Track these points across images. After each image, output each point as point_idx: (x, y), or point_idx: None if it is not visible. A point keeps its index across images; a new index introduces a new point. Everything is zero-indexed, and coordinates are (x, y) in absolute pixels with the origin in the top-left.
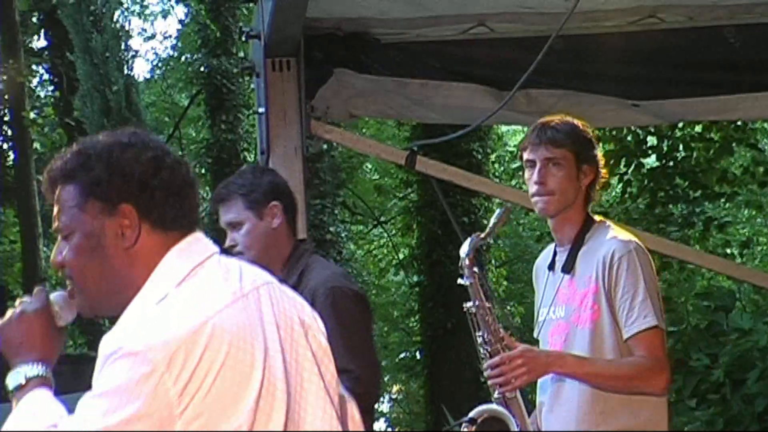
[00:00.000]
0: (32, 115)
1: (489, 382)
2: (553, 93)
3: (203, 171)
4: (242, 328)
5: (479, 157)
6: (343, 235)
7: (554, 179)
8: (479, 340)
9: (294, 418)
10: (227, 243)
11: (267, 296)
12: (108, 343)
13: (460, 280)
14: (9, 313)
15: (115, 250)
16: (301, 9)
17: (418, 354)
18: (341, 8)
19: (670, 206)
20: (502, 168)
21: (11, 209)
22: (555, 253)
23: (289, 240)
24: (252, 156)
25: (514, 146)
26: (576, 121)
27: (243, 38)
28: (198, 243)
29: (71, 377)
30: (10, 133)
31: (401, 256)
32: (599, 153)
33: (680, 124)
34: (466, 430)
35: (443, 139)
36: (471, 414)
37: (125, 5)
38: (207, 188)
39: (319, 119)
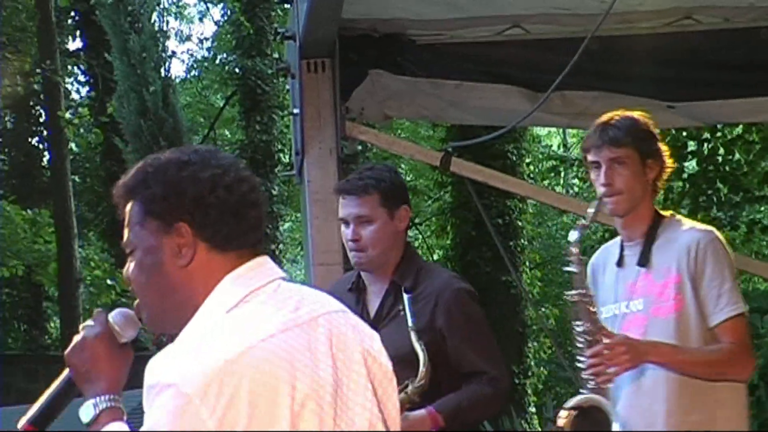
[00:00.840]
0: (68, 115)
1: (588, 371)
2: (587, 94)
3: None
4: (285, 359)
5: (514, 158)
6: None
7: (621, 178)
8: (579, 329)
9: None
10: (350, 236)
11: (326, 326)
12: (150, 372)
13: (566, 268)
14: (74, 339)
15: (173, 267)
16: (336, 10)
17: None
18: (376, 9)
19: (713, 210)
20: (537, 169)
21: (46, 210)
22: (622, 249)
23: (405, 243)
24: (287, 157)
25: (546, 146)
26: (636, 116)
27: (278, 39)
28: (259, 268)
29: None
30: (45, 133)
31: (435, 257)
32: (662, 144)
33: (719, 127)
34: (565, 418)
35: (478, 141)
36: (571, 402)
37: (162, 6)
38: None
39: (353, 120)
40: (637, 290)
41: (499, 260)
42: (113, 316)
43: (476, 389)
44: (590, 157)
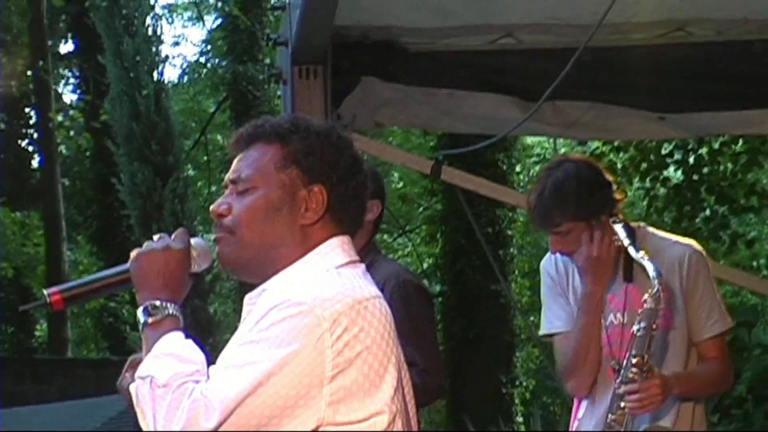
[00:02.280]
0: (59, 118)
1: (627, 405)
2: (579, 105)
3: None
4: (384, 325)
5: (504, 167)
6: None
7: (571, 244)
8: (634, 360)
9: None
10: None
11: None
12: (276, 293)
13: (646, 305)
14: (147, 244)
15: (293, 221)
16: (329, 17)
17: None
18: (369, 17)
19: (697, 220)
20: (527, 178)
21: (36, 212)
22: None
23: (368, 239)
24: None
25: (538, 155)
26: (564, 178)
27: (270, 45)
28: (350, 243)
29: (94, 381)
30: (36, 135)
31: (425, 265)
32: (603, 186)
33: (705, 138)
34: None
35: (469, 149)
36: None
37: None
38: None
39: (345, 128)
40: (624, 304)
41: (488, 269)
42: (197, 241)
43: None
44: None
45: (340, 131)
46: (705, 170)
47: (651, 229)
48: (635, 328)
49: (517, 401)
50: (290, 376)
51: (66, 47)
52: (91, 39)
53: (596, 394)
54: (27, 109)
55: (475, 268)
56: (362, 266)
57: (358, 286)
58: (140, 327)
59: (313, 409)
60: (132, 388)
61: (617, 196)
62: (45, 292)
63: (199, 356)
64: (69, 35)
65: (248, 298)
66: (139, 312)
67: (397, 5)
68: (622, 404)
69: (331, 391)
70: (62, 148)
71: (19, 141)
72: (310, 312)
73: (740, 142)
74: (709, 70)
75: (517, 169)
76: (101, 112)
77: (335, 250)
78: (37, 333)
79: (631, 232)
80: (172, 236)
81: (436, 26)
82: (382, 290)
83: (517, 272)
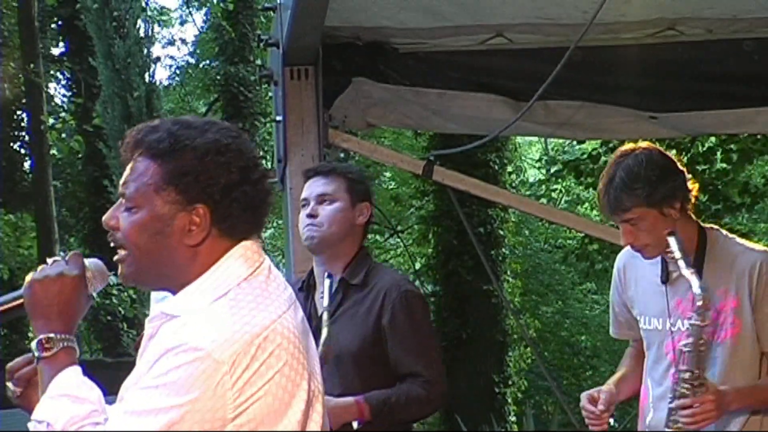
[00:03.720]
0: (51, 120)
1: (681, 420)
2: (571, 104)
3: None
4: (296, 336)
5: (496, 167)
6: None
7: (642, 234)
8: (685, 375)
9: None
10: (308, 212)
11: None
12: (171, 336)
13: (691, 321)
14: (42, 269)
15: (179, 243)
16: (320, 18)
17: None
18: (360, 17)
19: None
20: (519, 179)
21: (28, 215)
22: (665, 263)
23: (360, 243)
24: (269, 164)
25: (530, 158)
26: (640, 160)
27: (261, 46)
28: (252, 247)
29: None
30: (27, 138)
31: (417, 265)
32: (677, 173)
33: (699, 137)
34: None
35: (460, 150)
36: None
37: (147, 12)
38: None
39: (336, 128)
40: (689, 310)
41: (480, 269)
42: (91, 263)
43: (409, 389)
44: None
45: (227, 139)
46: (699, 169)
47: (724, 233)
48: (682, 343)
49: (509, 401)
50: (191, 423)
51: (58, 49)
52: (83, 41)
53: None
54: (19, 112)
55: (467, 268)
56: (266, 268)
57: (255, 316)
58: (35, 360)
59: None
60: (30, 426)
61: (690, 186)
62: None
63: (95, 394)
64: (60, 37)
65: (148, 321)
66: (33, 345)
67: (388, 6)
68: (677, 419)
69: (236, 426)
70: (54, 151)
71: (11, 143)
72: (207, 357)
73: (733, 141)
74: (699, 69)
75: (509, 169)
76: (93, 114)
77: (236, 263)
78: (30, 335)
79: (682, 244)
80: (66, 258)
81: (426, 27)
82: (382, 300)
83: (509, 272)
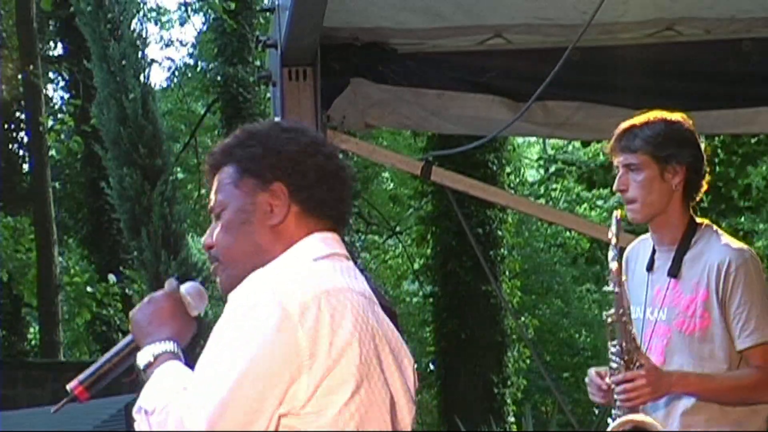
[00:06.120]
0: (50, 122)
1: (615, 397)
2: (569, 105)
3: None
4: (371, 323)
5: (494, 168)
6: (357, 244)
7: (635, 185)
8: (613, 349)
9: None
10: (618, 185)
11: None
12: (243, 290)
13: (607, 288)
14: (139, 305)
15: (262, 225)
16: (318, 18)
17: (431, 365)
18: (358, 18)
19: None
20: (517, 179)
21: (27, 216)
22: (654, 252)
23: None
24: None
25: (528, 158)
26: (663, 119)
27: (260, 47)
28: (340, 241)
29: None
30: (26, 139)
31: (416, 266)
32: (696, 148)
33: (702, 138)
34: None
35: (459, 150)
36: (612, 426)
37: (142, 12)
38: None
39: (335, 129)
40: (664, 299)
41: (479, 269)
42: (187, 287)
43: None
44: (613, 162)
45: (287, 124)
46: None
47: (715, 228)
48: (604, 314)
49: (508, 401)
50: (265, 368)
51: (55, 51)
52: (80, 42)
53: None
54: (17, 113)
55: (466, 268)
56: (347, 261)
57: (329, 278)
58: (143, 374)
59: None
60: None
61: (704, 177)
62: (68, 387)
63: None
64: (58, 39)
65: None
66: (137, 360)
67: (387, 7)
68: (615, 397)
69: (313, 378)
70: (53, 152)
71: (10, 145)
72: (276, 307)
73: (737, 144)
74: (698, 70)
75: (507, 170)
76: (91, 116)
77: (315, 245)
78: (29, 336)
79: (620, 227)
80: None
81: (425, 27)
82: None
83: (507, 273)
